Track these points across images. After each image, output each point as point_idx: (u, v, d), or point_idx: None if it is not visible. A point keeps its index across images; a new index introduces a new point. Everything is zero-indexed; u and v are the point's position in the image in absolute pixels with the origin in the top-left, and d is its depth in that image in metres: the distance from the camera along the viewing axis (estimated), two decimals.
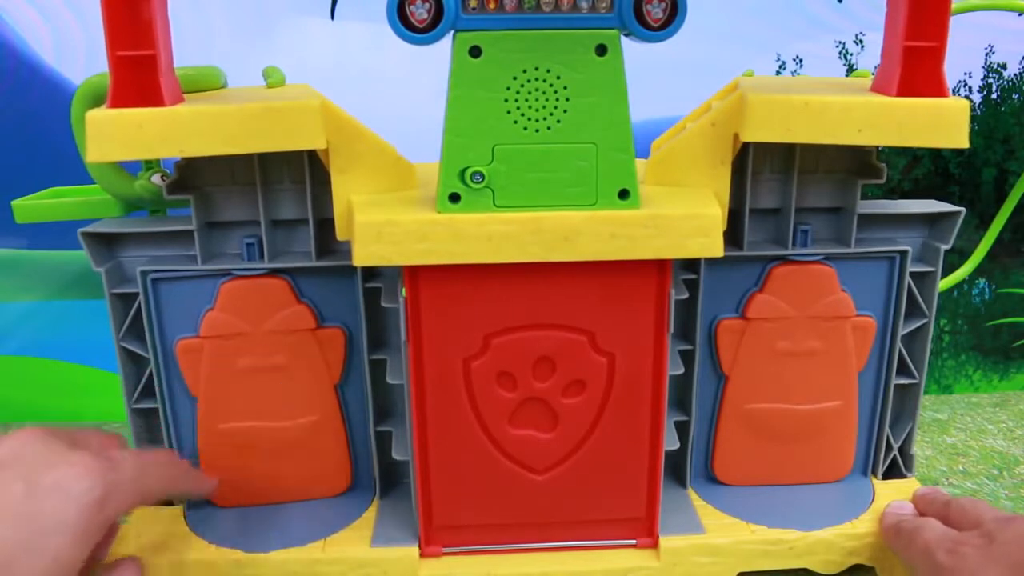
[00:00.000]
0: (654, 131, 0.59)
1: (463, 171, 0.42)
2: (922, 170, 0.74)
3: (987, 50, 0.72)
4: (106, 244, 0.51)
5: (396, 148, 0.48)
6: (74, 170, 0.56)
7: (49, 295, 0.76)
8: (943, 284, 0.58)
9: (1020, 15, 0.70)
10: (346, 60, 0.70)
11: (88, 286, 0.76)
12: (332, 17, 0.70)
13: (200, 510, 0.54)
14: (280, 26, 0.70)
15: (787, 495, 0.56)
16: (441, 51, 0.42)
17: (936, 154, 0.74)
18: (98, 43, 0.41)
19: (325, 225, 0.49)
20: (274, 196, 0.50)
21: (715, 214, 0.44)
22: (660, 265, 0.45)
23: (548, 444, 0.49)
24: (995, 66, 0.72)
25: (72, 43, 0.70)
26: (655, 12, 0.41)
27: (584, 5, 0.41)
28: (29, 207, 0.56)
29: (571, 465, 0.49)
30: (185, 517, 0.53)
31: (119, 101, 0.42)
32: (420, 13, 0.40)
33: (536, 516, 0.50)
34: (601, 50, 0.41)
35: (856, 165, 0.51)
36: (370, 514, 0.54)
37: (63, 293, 0.76)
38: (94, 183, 0.54)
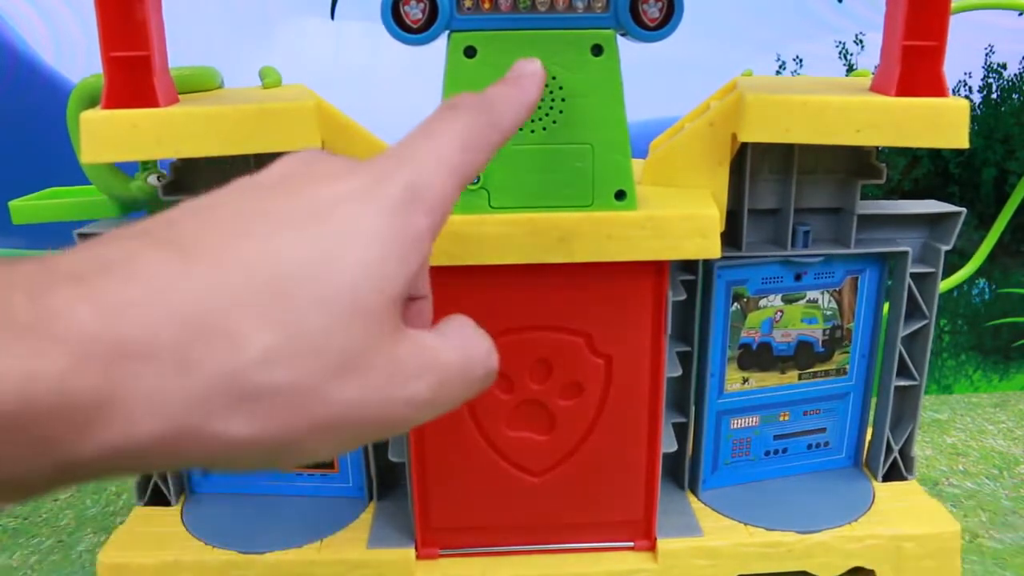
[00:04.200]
0: (652, 131, 0.59)
1: None
2: (922, 170, 0.74)
3: (987, 50, 0.71)
4: None
5: None
6: (72, 170, 0.56)
7: None
8: (944, 285, 0.57)
9: (1020, 14, 0.70)
10: (343, 60, 0.70)
11: None
12: (332, 17, 0.69)
13: (197, 511, 0.54)
14: (277, 26, 0.70)
15: (786, 496, 0.55)
16: (440, 50, 0.42)
17: (936, 154, 0.74)
18: (97, 43, 0.41)
19: None
20: None
21: (712, 215, 0.44)
22: (657, 266, 0.45)
23: (545, 446, 0.49)
24: (995, 66, 0.71)
25: (71, 43, 0.70)
26: (651, 12, 0.40)
27: (580, 5, 0.40)
28: (26, 208, 0.56)
29: (568, 467, 0.49)
30: (182, 517, 0.53)
31: (113, 102, 0.42)
32: (414, 13, 0.40)
33: (533, 518, 0.50)
34: (597, 50, 0.41)
35: (856, 165, 0.51)
36: (367, 516, 0.54)
37: None
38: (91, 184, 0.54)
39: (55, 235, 0.73)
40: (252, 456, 0.22)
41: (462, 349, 0.27)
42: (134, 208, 0.55)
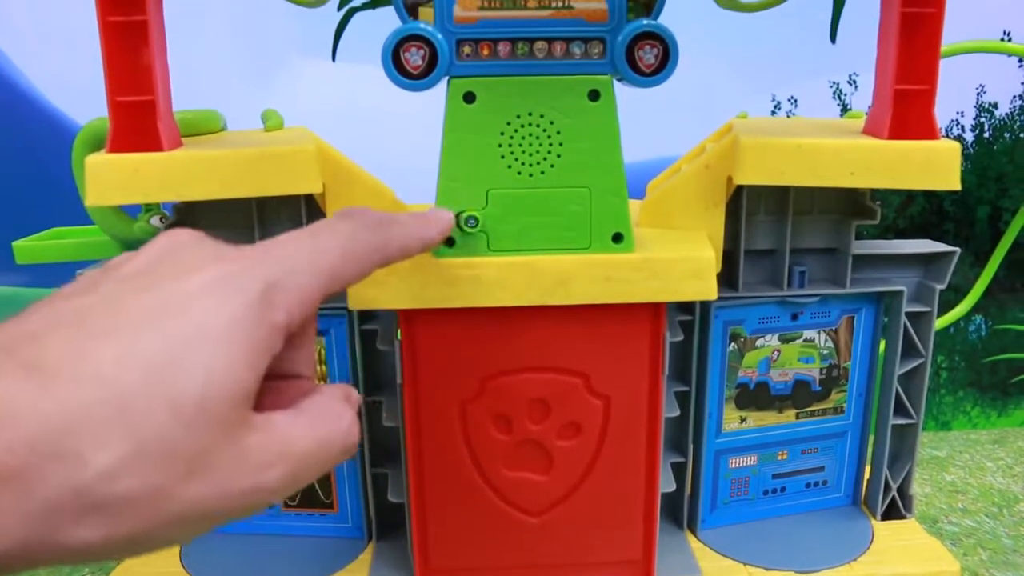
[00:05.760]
0: (650, 172, 0.60)
1: (458, 215, 0.43)
2: (916, 208, 0.75)
3: (979, 89, 0.72)
4: None
5: (394, 190, 0.48)
6: (76, 210, 0.56)
7: None
8: (940, 322, 0.58)
9: (1010, 56, 0.71)
10: (346, 102, 0.71)
11: None
12: (333, 59, 0.70)
13: (196, 551, 0.54)
14: (279, 69, 0.71)
15: (785, 536, 0.55)
16: (441, 94, 0.43)
17: (930, 192, 0.74)
18: (101, 80, 0.42)
19: None
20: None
21: (708, 257, 0.44)
22: (654, 308, 0.46)
23: (543, 486, 0.49)
24: (987, 105, 0.72)
25: (75, 82, 0.70)
26: (647, 58, 0.41)
27: (577, 51, 0.41)
28: (30, 248, 0.57)
29: (567, 507, 0.49)
30: (180, 557, 0.53)
31: (118, 146, 0.42)
32: (415, 59, 0.41)
33: (532, 558, 0.50)
34: (594, 95, 0.42)
35: (850, 206, 0.52)
36: (366, 556, 0.54)
37: None
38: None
39: (58, 275, 0.73)
40: (107, 552, 0.24)
41: (319, 431, 0.28)
42: (137, 248, 0.56)
